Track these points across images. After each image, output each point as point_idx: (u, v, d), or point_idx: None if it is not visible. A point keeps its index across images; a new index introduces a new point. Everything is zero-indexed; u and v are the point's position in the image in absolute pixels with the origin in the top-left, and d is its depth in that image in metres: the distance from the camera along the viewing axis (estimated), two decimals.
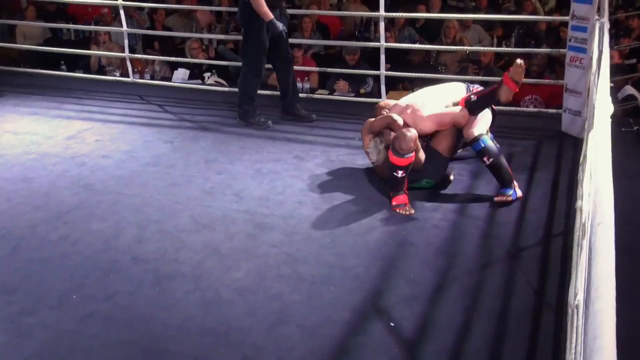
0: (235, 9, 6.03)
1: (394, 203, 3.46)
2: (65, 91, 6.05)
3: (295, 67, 5.97)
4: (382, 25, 5.30)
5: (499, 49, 6.56)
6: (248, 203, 3.56)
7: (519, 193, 3.53)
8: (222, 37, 7.20)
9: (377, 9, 5.24)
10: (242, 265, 2.90)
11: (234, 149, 4.49)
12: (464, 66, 5.99)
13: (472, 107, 3.58)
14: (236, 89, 5.32)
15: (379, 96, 5.46)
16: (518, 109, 5.26)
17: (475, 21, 7.01)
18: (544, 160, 4.20)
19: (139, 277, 2.82)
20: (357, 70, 5.89)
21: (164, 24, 7.67)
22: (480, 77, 5.58)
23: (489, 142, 3.50)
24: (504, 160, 3.51)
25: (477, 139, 3.50)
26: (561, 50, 4.90)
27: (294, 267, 2.88)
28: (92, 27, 7.08)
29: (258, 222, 3.32)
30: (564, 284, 2.64)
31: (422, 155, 3.56)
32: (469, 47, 6.29)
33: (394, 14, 5.90)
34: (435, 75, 5.57)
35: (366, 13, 7.12)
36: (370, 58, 6.27)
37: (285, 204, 3.55)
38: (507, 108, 5.26)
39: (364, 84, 6.06)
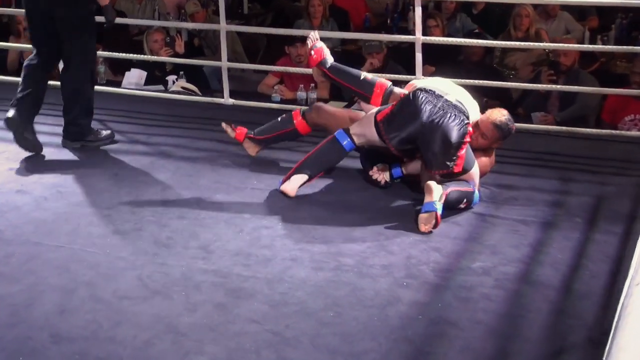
0: None
1: None
2: None
3: (299, 70, 6.11)
4: (417, 10, 5.41)
5: (591, 46, 6.64)
6: (220, 260, 3.63)
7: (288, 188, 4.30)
8: (196, 25, 7.35)
9: None
10: (207, 347, 2.95)
11: (204, 183, 4.60)
12: (539, 71, 6.09)
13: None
14: (211, 99, 5.45)
15: None
16: (613, 132, 5.32)
17: (563, 7, 7.10)
18: None
19: None
20: (385, 75, 5.99)
21: (114, 6, 7.87)
22: (559, 86, 5.66)
23: (342, 136, 4.29)
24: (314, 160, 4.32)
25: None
26: None
27: (280, 351, 2.93)
28: (10, 10, 7.30)
29: (232, 288, 3.38)
30: None
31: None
32: (548, 44, 6.36)
33: None
34: (498, 83, 5.66)
35: None
36: (406, 57, 6.39)
37: (272, 263, 3.61)
38: (598, 131, 5.33)
39: None
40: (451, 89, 4.23)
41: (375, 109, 4.29)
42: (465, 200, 4.14)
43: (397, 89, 4.34)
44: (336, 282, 3.43)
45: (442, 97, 4.09)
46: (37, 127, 5.57)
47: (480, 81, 5.43)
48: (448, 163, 4.06)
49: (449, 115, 4.01)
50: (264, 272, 3.51)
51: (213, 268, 3.56)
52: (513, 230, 3.95)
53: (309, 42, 4.50)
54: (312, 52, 4.47)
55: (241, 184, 4.58)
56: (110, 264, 3.60)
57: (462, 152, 4.09)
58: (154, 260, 3.63)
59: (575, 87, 5.64)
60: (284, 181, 4.34)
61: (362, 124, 4.31)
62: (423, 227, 3.91)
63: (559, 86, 5.66)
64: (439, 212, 3.90)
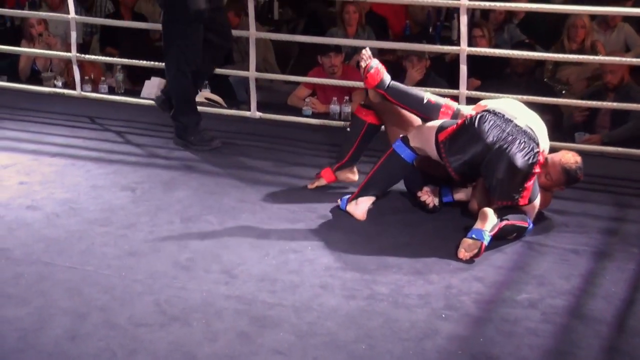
0: None
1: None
2: None
3: (334, 81, 6.14)
4: (463, 19, 5.45)
5: None
6: (244, 286, 3.65)
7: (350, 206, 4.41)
8: None
9: None
10: None
11: (228, 202, 4.63)
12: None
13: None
14: (237, 112, 5.49)
15: None
16: None
17: (625, 18, 7.06)
18: None
19: None
20: (426, 88, 6.00)
21: (134, 9, 7.95)
22: (614, 104, 5.62)
23: (402, 147, 4.29)
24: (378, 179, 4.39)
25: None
26: None
27: None
28: (23, 13, 7.40)
29: (257, 316, 3.39)
30: None
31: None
32: (603, 58, 6.33)
33: (482, 2, 5.86)
34: (548, 99, 5.64)
35: (442, 1, 7.26)
36: (449, 69, 6.41)
37: (300, 289, 3.63)
38: None
39: None
40: (521, 112, 4.17)
41: (437, 123, 4.22)
42: (515, 234, 4.12)
43: (464, 110, 4.27)
44: (369, 312, 3.43)
45: (512, 121, 4.04)
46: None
47: (530, 97, 5.36)
48: (514, 195, 4.02)
49: (517, 142, 3.96)
50: (291, 300, 3.52)
51: (236, 294, 3.57)
52: (563, 260, 3.94)
53: (362, 62, 4.38)
54: (368, 74, 4.33)
55: (267, 203, 4.60)
56: (126, 287, 3.62)
57: (530, 183, 4.04)
58: (173, 284, 3.65)
59: (625, 104, 5.60)
60: (349, 201, 4.43)
61: (422, 136, 4.26)
62: (462, 253, 3.89)
63: (614, 103, 5.63)
64: (486, 243, 3.89)
